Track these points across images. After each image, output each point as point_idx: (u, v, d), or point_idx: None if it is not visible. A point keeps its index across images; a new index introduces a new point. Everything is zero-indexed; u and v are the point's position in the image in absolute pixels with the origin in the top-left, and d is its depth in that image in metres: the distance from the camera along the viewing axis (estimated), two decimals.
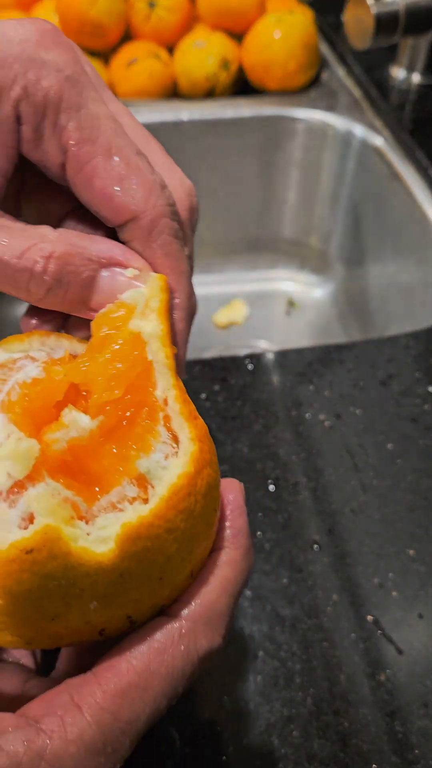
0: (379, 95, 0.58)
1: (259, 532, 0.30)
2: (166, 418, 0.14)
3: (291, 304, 0.67)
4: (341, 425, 0.34)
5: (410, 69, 0.58)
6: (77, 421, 0.13)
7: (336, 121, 0.58)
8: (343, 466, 0.32)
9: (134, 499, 0.13)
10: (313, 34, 0.58)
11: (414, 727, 0.24)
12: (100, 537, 0.13)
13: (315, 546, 0.29)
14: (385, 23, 0.52)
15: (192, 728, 0.24)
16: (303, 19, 0.57)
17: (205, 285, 0.69)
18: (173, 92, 0.62)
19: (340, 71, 0.65)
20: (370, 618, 0.27)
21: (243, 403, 0.35)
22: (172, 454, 0.14)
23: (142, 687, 0.13)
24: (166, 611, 0.15)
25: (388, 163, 0.54)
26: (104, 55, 0.61)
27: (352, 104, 0.60)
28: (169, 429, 0.14)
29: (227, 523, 0.16)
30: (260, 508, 0.30)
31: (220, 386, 0.36)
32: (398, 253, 0.54)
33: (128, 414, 0.14)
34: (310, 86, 0.62)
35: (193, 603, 0.15)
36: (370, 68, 0.61)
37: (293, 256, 0.68)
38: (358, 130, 0.57)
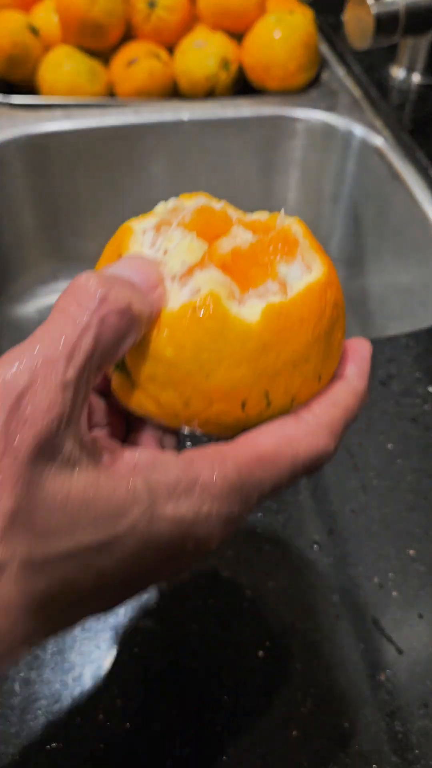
0: (379, 95, 0.58)
1: (259, 531, 0.29)
2: (302, 254, 0.17)
3: None
4: None
5: (410, 69, 0.58)
6: (241, 234, 0.17)
7: (336, 121, 0.58)
8: (343, 466, 0.32)
9: (275, 293, 0.17)
10: (313, 34, 0.58)
11: (414, 727, 0.24)
12: (249, 312, 0.16)
13: (315, 546, 0.29)
14: (385, 23, 0.52)
15: (192, 728, 0.24)
16: (303, 19, 0.57)
17: None
18: (173, 92, 0.62)
19: (340, 71, 0.65)
20: (370, 618, 0.27)
21: None
22: (307, 272, 0.17)
23: (272, 461, 0.16)
24: (294, 411, 0.17)
25: (388, 163, 0.54)
26: (104, 55, 0.61)
27: (352, 104, 0.60)
28: (303, 258, 0.17)
29: (353, 364, 0.19)
30: (260, 508, 0.30)
31: None
32: (398, 253, 0.54)
33: (277, 244, 0.17)
34: (310, 86, 0.62)
35: (319, 412, 0.17)
36: (370, 68, 0.61)
37: None
38: (358, 130, 0.57)
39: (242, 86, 0.62)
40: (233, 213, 0.19)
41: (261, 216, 0.19)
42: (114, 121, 0.57)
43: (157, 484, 0.14)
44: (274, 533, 0.29)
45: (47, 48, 0.60)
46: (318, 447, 0.16)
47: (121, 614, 0.27)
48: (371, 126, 0.57)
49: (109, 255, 0.18)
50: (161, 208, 0.19)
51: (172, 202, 0.19)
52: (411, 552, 0.29)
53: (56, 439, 0.13)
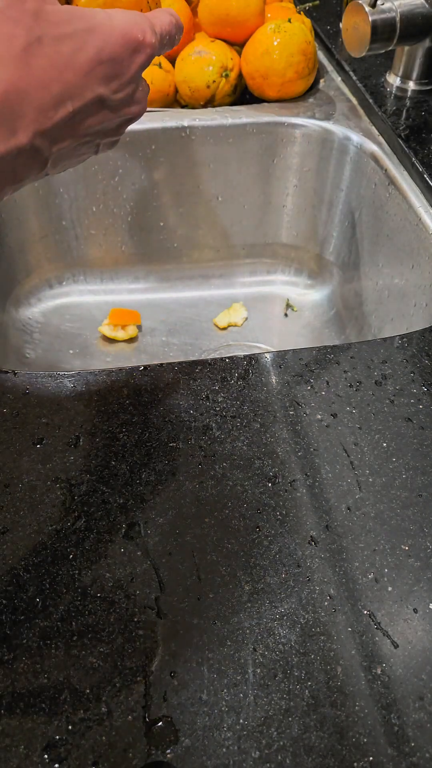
0: (375, 102, 0.59)
1: (257, 528, 0.30)
2: None
3: (289, 306, 0.68)
4: (337, 424, 0.35)
5: (406, 76, 0.59)
6: None
7: (333, 127, 0.59)
8: (339, 464, 0.33)
9: None
10: (311, 43, 0.59)
11: (410, 720, 0.25)
12: None
13: (312, 542, 0.30)
14: (382, 31, 0.53)
15: (191, 720, 0.24)
16: (301, 28, 0.59)
17: (205, 289, 0.69)
18: (174, 100, 0.63)
19: (338, 78, 0.66)
20: (366, 612, 0.27)
21: (242, 402, 0.36)
22: None
23: (153, 16, 0.28)
24: None
25: (384, 169, 0.55)
26: None
27: (349, 111, 0.61)
28: None
29: None
30: (258, 505, 0.31)
31: (219, 386, 0.36)
32: (393, 257, 0.55)
33: None
34: (308, 93, 0.63)
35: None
36: (367, 75, 0.62)
37: (291, 261, 0.69)
38: (355, 137, 0.58)
39: (242, 94, 0.63)
40: None
41: None
42: None
43: (112, 11, 0.25)
44: (272, 529, 0.30)
45: None
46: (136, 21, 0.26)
47: (123, 607, 0.27)
48: (367, 133, 0.58)
49: None
50: None
51: None
52: (405, 548, 0.29)
53: None
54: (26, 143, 0.23)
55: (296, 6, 0.66)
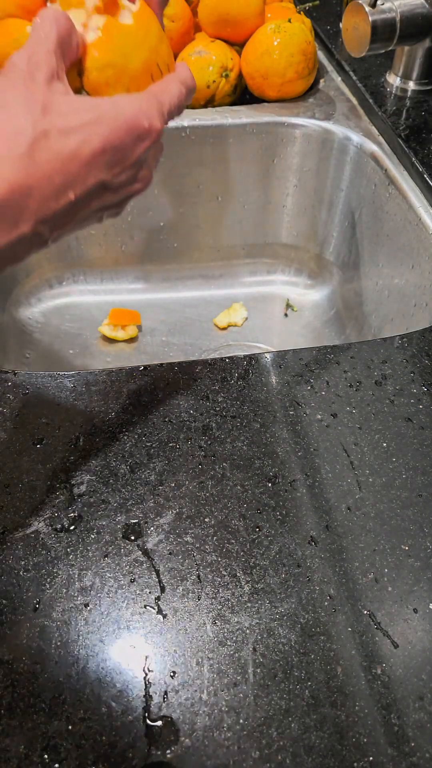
0: (375, 102, 0.59)
1: (257, 528, 0.30)
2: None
3: (289, 306, 0.68)
4: (337, 424, 0.35)
5: (406, 76, 0.59)
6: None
7: (333, 127, 0.59)
8: (339, 464, 0.33)
9: (130, 12, 0.28)
10: (311, 43, 0.59)
11: (410, 720, 0.25)
12: (126, 20, 0.28)
13: (312, 542, 0.30)
14: (382, 31, 0.53)
15: (192, 720, 0.24)
16: (301, 28, 0.59)
17: (205, 288, 0.69)
18: None
19: (338, 78, 0.66)
20: (366, 612, 0.27)
21: (242, 402, 0.36)
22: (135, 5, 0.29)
23: (162, 92, 0.28)
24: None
25: (384, 169, 0.55)
26: None
27: (349, 111, 0.61)
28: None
29: (181, 66, 0.30)
30: (258, 505, 0.31)
31: (219, 386, 0.36)
32: (393, 256, 0.55)
33: None
34: (308, 93, 0.63)
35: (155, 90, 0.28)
36: (367, 75, 0.62)
37: (291, 261, 0.69)
38: (355, 137, 0.58)
39: (242, 94, 0.63)
40: None
41: None
42: None
43: (117, 97, 0.26)
44: (272, 529, 0.30)
45: None
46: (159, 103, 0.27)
47: (123, 607, 0.27)
48: (367, 133, 0.58)
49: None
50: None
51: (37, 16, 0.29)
52: (405, 548, 0.29)
53: (56, 80, 0.24)
54: (28, 232, 0.23)
55: (296, 6, 0.66)
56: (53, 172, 0.23)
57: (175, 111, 0.28)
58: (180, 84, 0.28)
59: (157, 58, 0.28)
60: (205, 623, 0.27)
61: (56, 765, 0.23)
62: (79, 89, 0.27)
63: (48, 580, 0.28)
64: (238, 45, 0.61)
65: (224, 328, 0.65)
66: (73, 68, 0.27)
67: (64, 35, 0.25)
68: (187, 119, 0.59)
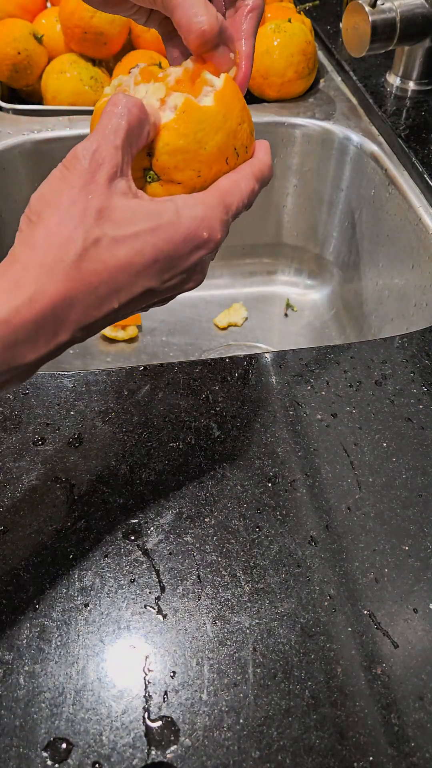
0: (375, 102, 0.59)
1: (257, 528, 0.30)
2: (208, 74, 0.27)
3: (289, 306, 0.68)
4: (337, 424, 0.35)
5: (406, 76, 0.59)
6: (174, 72, 0.27)
7: (333, 127, 0.59)
8: (339, 464, 0.33)
9: (212, 91, 0.26)
10: (311, 43, 0.59)
11: (410, 720, 0.25)
12: (207, 102, 0.25)
13: (312, 541, 0.30)
14: (382, 31, 0.53)
15: (192, 720, 0.24)
16: (301, 27, 0.59)
17: (206, 289, 0.69)
18: None
19: (338, 78, 0.66)
20: (366, 612, 0.27)
21: (242, 402, 0.36)
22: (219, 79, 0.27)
23: (231, 192, 0.25)
24: (249, 158, 0.27)
25: (384, 169, 0.55)
26: (107, 64, 0.62)
27: (349, 111, 0.61)
28: (213, 73, 0.27)
29: (260, 148, 0.28)
30: (259, 505, 0.31)
31: (219, 386, 0.36)
32: (393, 257, 0.55)
33: (196, 72, 0.27)
34: (308, 93, 0.63)
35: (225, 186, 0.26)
36: (367, 75, 0.62)
37: (291, 261, 0.69)
38: (355, 137, 0.58)
39: None
40: (159, 64, 0.27)
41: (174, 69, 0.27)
42: None
43: (180, 201, 0.24)
44: (272, 529, 0.30)
45: (51, 56, 0.61)
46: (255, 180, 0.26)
47: (123, 607, 0.27)
48: (367, 132, 0.58)
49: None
50: (109, 88, 0.27)
51: (116, 80, 0.27)
52: (405, 548, 0.29)
53: (118, 178, 0.23)
54: (65, 341, 0.22)
55: (296, 6, 0.66)
56: (99, 282, 0.22)
57: (243, 210, 0.26)
58: (253, 179, 0.26)
59: (234, 142, 0.26)
60: (205, 623, 0.27)
61: (56, 765, 0.23)
62: (148, 168, 0.25)
63: (48, 580, 0.28)
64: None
65: (224, 328, 0.65)
66: (144, 147, 0.25)
67: (135, 127, 0.23)
68: None
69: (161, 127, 0.25)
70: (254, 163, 0.27)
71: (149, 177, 0.25)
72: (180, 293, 0.26)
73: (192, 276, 0.25)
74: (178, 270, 0.24)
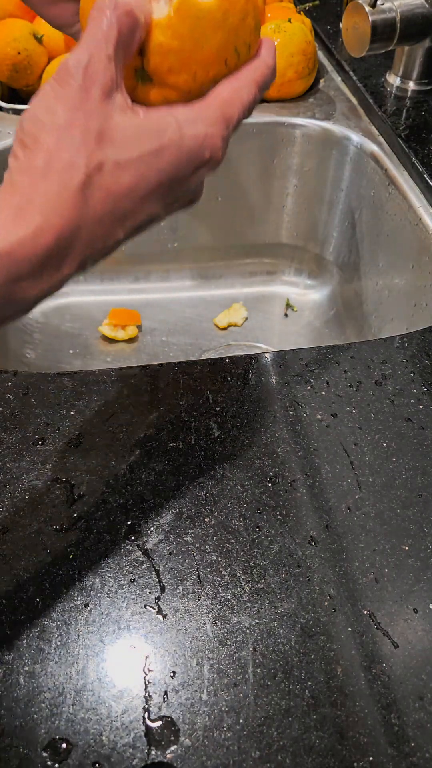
0: (375, 102, 0.59)
1: (257, 528, 0.30)
2: None
3: (289, 306, 0.68)
4: (337, 424, 0.35)
5: (406, 76, 0.59)
6: None
7: (333, 127, 0.59)
8: (339, 464, 0.33)
9: None
10: (311, 42, 0.59)
11: (410, 720, 0.25)
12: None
13: (312, 542, 0.30)
14: (382, 31, 0.53)
15: (192, 720, 0.24)
16: (301, 28, 0.59)
17: (206, 289, 0.69)
18: None
19: (338, 78, 0.66)
20: (366, 612, 0.27)
21: (242, 402, 0.36)
22: None
23: (232, 103, 0.24)
24: (252, 58, 0.25)
25: (384, 169, 0.55)
26: None
27: (349, 111, 0.61)
28: None
29: (265, 47, 0.25)
30: (258, 505, 0.31)
31: (219, 386, 0.36)
32: (393, 256, 0.55)
33: None
34: (308, 93, 0.63)
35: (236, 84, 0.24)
36: (367, 75, 0.62)
37: (291, 261, 0.69)
38: (355, 137, 0.58)
39: None
40: None
41: None
42: None
43: (181, 116, 0.23)
44: (272, 529, 0.30)
45: (51, 56, 0.61)
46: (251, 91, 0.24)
47: (123, 607, 0.27)
48: (368, 132, 0.58)
49: None
50: None
51: None
52: (405, 548, 0.30)
53: (114, 92, 0.21)
54: (69, 274, 0.22)
55: (296, 6, 0.66)
56: (104, 212, 0.21)
57: (244, 118, 0.24)
58: (255, 86, 0.24)
59: (236, 40, 0.23)
60: (205, 623, 0.27)
61: (56, 765, 0.23)
62: (139, 68, 0.23)
63: (48, 580, 0.28)
64: None
65: (224, 328, 0.65)
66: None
67: (126, 32, 0.22)
68: None
69: (154, 24, 0.22)
70: (257, 66, 0.24)
71: (141, 78, 0.23)
72: (176, 211, 0.25)
73: (193, 196, 0.25)
74: (180, 191, 0.23)
